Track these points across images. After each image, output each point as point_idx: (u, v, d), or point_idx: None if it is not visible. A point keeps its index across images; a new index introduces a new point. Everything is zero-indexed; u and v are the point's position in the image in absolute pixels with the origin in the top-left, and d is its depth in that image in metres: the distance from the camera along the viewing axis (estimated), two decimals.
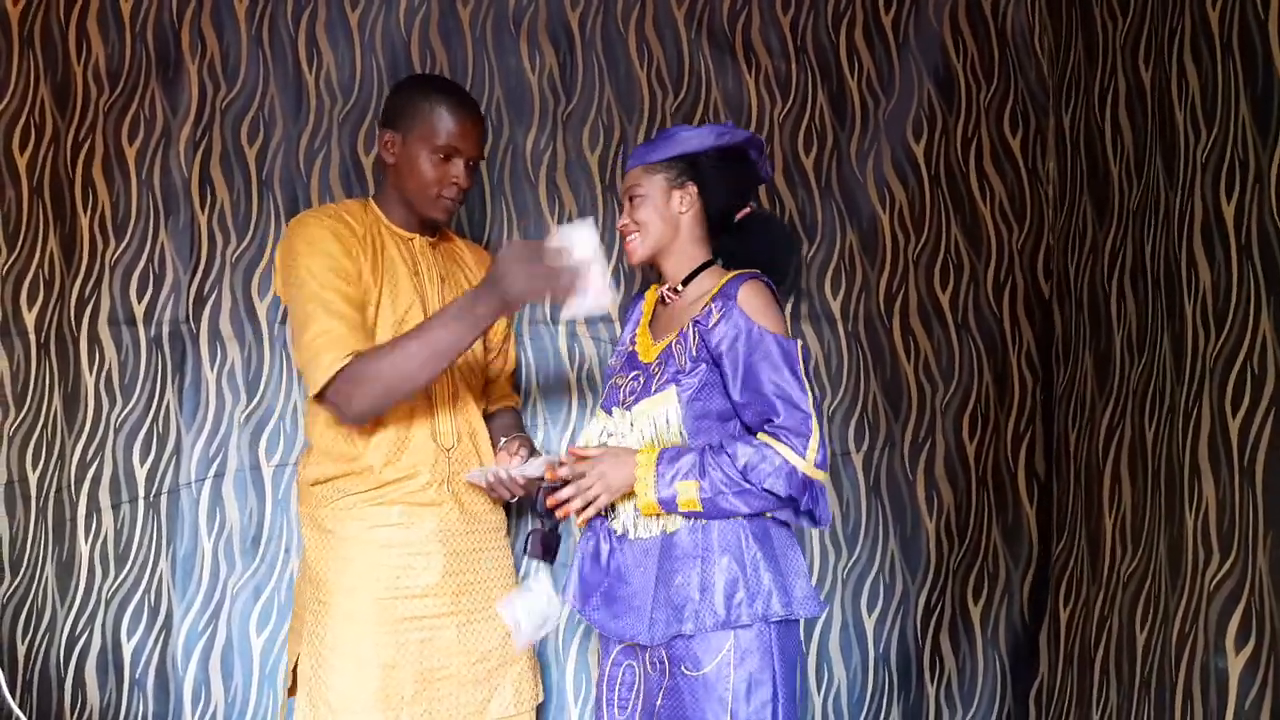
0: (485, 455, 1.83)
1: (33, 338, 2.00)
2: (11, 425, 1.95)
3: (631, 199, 1.68)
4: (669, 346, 1.64)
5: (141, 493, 2.12)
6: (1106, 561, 1.83)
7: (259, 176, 2.22)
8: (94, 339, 2.12)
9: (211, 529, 2.15)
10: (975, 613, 2.26)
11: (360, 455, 1.70)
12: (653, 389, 1.61)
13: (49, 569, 2.03)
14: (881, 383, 2.29)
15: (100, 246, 2.14)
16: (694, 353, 1.59)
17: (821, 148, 2.32)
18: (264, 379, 2.18)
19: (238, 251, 2.20)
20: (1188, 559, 1.55)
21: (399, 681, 1.65)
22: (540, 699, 1.86)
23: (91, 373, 2.11)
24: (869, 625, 2.24)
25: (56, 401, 2.05)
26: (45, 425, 2.03)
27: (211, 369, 2.18)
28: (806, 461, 1.51)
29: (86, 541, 2.08)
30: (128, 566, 2.10)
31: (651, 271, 1.79)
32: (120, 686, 2.08)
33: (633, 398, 1.64)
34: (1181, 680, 1.53)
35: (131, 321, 2.14)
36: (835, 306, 2.29)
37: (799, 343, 1.57)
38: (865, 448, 2.27)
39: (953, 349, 2.29)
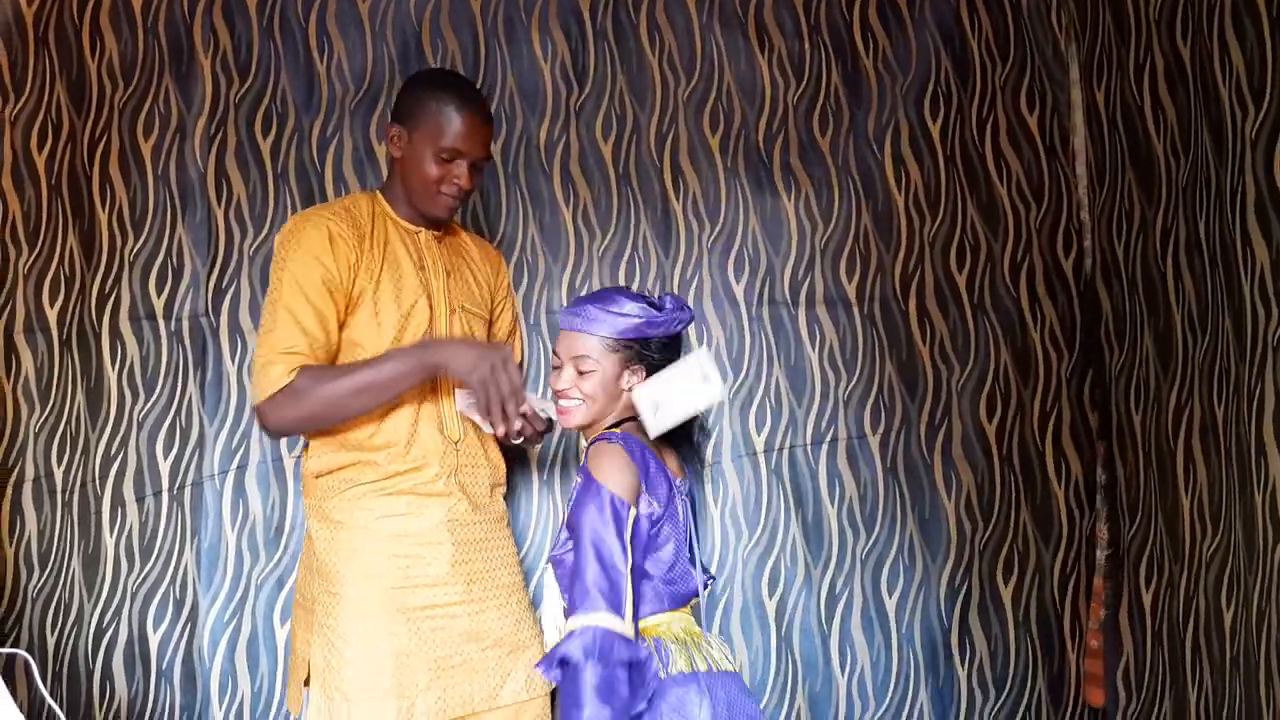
0: (491, 447, 1.84)
1: (55, 334, 2.01)
2: (37, 421, 1.97)
3: (581, 370, 1.60)
4: None
5: (165, 486, 2.14)
6: (1187, 541, 1.81)
7: (274, 169, 2.23)
8: (115, 334, 2.13)
9: (235, 521, 2.17)
10: (1006, 594, 2.24)
11: (368, 447, 1.71)
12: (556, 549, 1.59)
13: (75, 563, 2.05)
14: (897, 365, 2.27)
15: (119, 242, 2.15)
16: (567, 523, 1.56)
17: (837, 128, 2.31)
18: None
19: (255, 244, 2.21)
20: (1259, 539, 1.53)
21: (412, 670, 1.66)
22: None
23: (114, 368, 2.12)
24: (890, 607, 2.24)
25: (80, 397, 2.07)
26: (69, 421, 2.04)
27: (232, 362, 2.19)
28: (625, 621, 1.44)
29: (112, 535, 2.10)
30: (153, 559, 2.12)
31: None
32: (148, 678, 2.11)
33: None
34: (1263, 660, 1.52)
35: (152, 316, 2.16)
36: (850, 289, 2.28)
37: (630, 509, 1.50)
38: (882, 430, 2.26)
39: (969, 330, 2.28)
